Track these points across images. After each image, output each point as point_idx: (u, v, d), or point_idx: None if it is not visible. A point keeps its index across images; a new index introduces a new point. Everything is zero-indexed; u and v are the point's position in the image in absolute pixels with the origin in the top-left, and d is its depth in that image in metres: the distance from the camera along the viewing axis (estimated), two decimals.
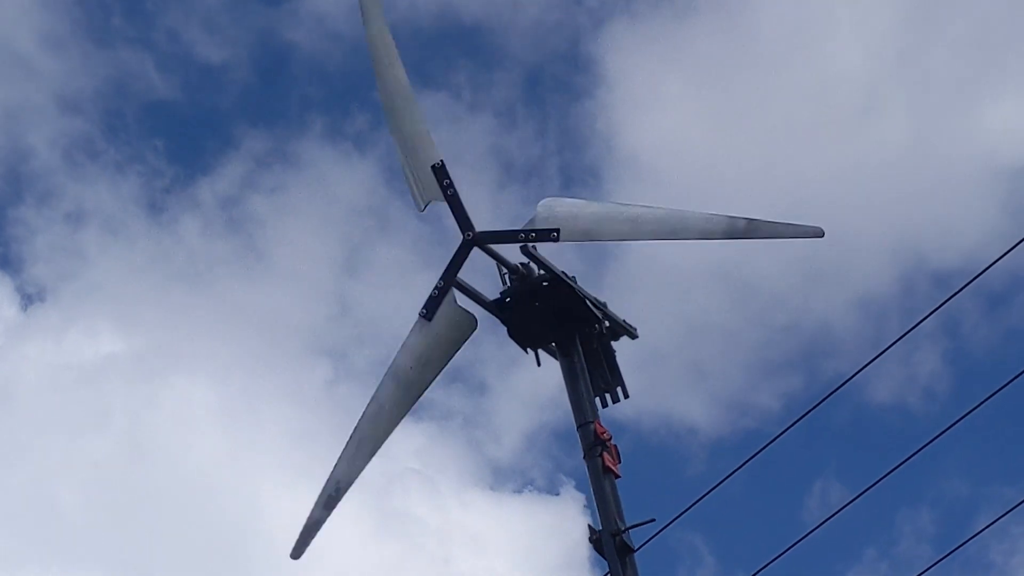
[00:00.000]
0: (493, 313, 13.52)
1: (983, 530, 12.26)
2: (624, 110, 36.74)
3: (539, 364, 13.66)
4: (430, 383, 13.09)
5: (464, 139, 36.33)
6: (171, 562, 32.38)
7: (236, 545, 33.27)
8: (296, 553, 12.96)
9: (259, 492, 34.40)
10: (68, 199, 38.11)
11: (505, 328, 13.57)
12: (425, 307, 13.27)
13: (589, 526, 12.94)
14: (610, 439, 13.22)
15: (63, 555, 32.65)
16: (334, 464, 12.96)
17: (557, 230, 13.19)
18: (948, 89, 35.77)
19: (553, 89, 38.76)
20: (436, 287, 13.29)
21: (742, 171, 34.86)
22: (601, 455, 13.07)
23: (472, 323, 13.23)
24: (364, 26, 14.17)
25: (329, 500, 12.87)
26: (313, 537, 12.85)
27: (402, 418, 13.02)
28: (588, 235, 13.29)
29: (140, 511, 33.03)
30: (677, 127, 36.60)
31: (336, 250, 36.94)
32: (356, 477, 12.91)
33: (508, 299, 13.45)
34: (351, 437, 13.03)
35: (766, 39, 35.89)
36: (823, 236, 12.55)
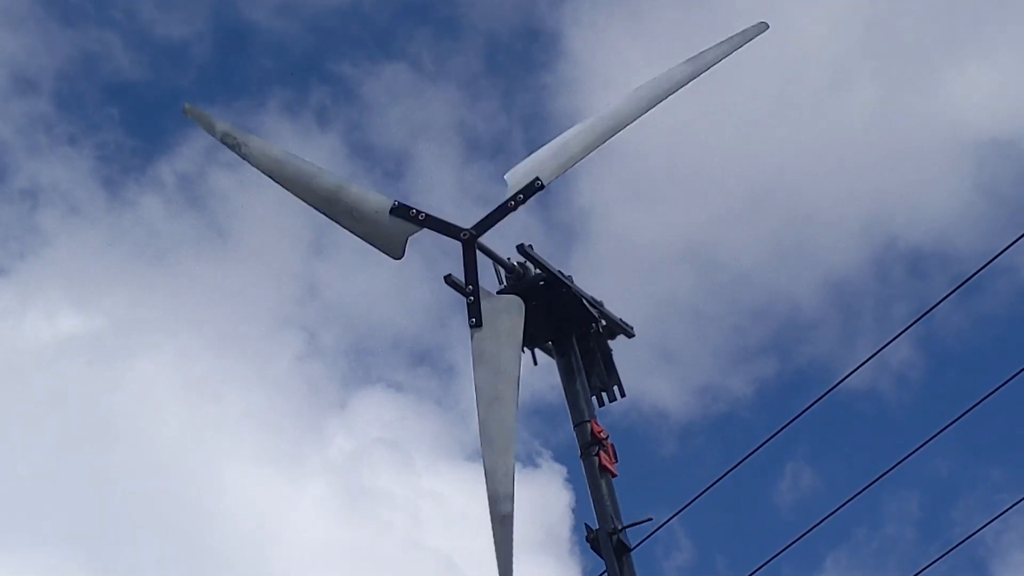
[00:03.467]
0: None
1: (985, 526, 12.31)
2: (588, 85, 36.60)
3: (535, 363, 13.65)
4: (519, 377, 12.73)
5: (426, 113, 36.16)
6: (133, 544, 32.23)
7: (199, 527, 33.13)
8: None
9: (223, 474, 34.26)
10: (24, 177, 37.71)
11: None
12: (470, 316, 12.99)
13: (586, 525, 12.93)
14: (607, 438, 13.21)
15: (24, 538, 32.40)
16: (487, 495, 12.25)
17: (537, 178, 13.26)
18: (916, 62, 35.82)
19: (517, 63, 38.61)
20: (468, 295, 13.06)
21: (709, 146, 34.82)
22: (598, 454, 13.05)
23: (519, 304, 13.04)
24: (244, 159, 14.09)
25: (504, 520, 12.12)
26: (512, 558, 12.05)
27: (516, 423, 12.53)
28: (565, 164, 13.45)
29: (102, 494, 32.82)
30: None
31: (300, 227, 36.68)
32: (512, 490, 12.20)
33: None
34: (486, 464, 12.35)
35: (732, 12, 35.74)
36: (768, 28, 13.75)
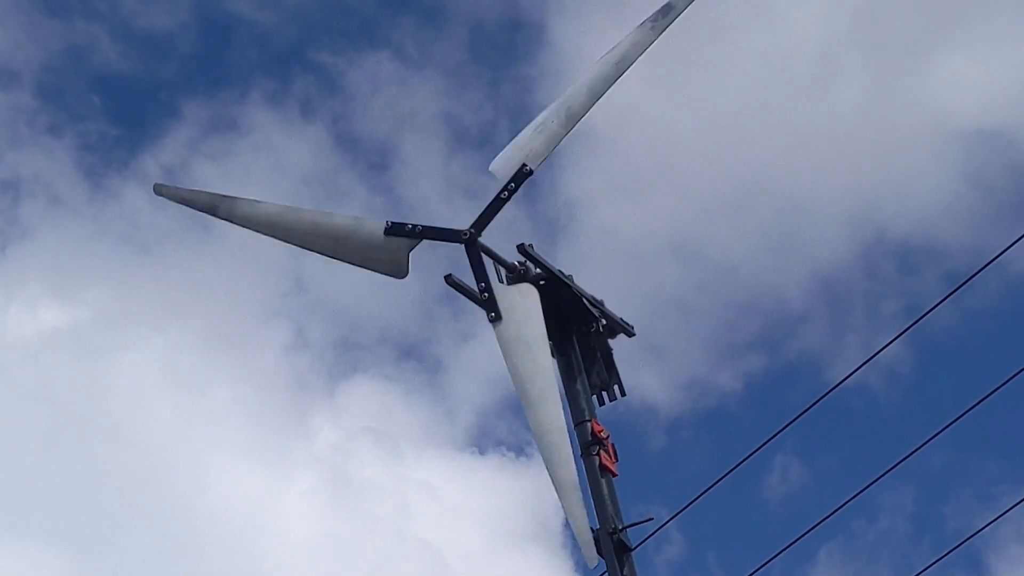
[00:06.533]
0: None
1: (987, 525, 12.29)
2: (573, 76, 36.41)
3: None
4: (552, 361, 12.76)
5: (411, 103, 36.04)
6: (120, 537, 32.13)
7: (186, 520, 33.03)
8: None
9: (210, 467, 34.15)
10: (5, 168, 37.49)
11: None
12: (489, 311, 12.92)
13: None
14: (607, 437, 13.14)
15: (10, 532, 32.27)
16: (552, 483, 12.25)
17: (524, 164, 13.16)
18: (903, 54, 35.79)
19: (501, 54, 38.51)
20: (481, 292, 12.98)
21: (697, 138, 34.77)
22: (598, 454, 12.99)
23: (533, 292, 12.97)
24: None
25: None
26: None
27: (560, 405, 12.57)
28: (549, 144, 13.31)
29: (88, 488, 32.68)
30: (631, 94, 36.36)
31: None
32: (575, 475, 12.19)
33: None
34: (545, 457, 12.30)
35: (720, 2, 35.65)
36: None
